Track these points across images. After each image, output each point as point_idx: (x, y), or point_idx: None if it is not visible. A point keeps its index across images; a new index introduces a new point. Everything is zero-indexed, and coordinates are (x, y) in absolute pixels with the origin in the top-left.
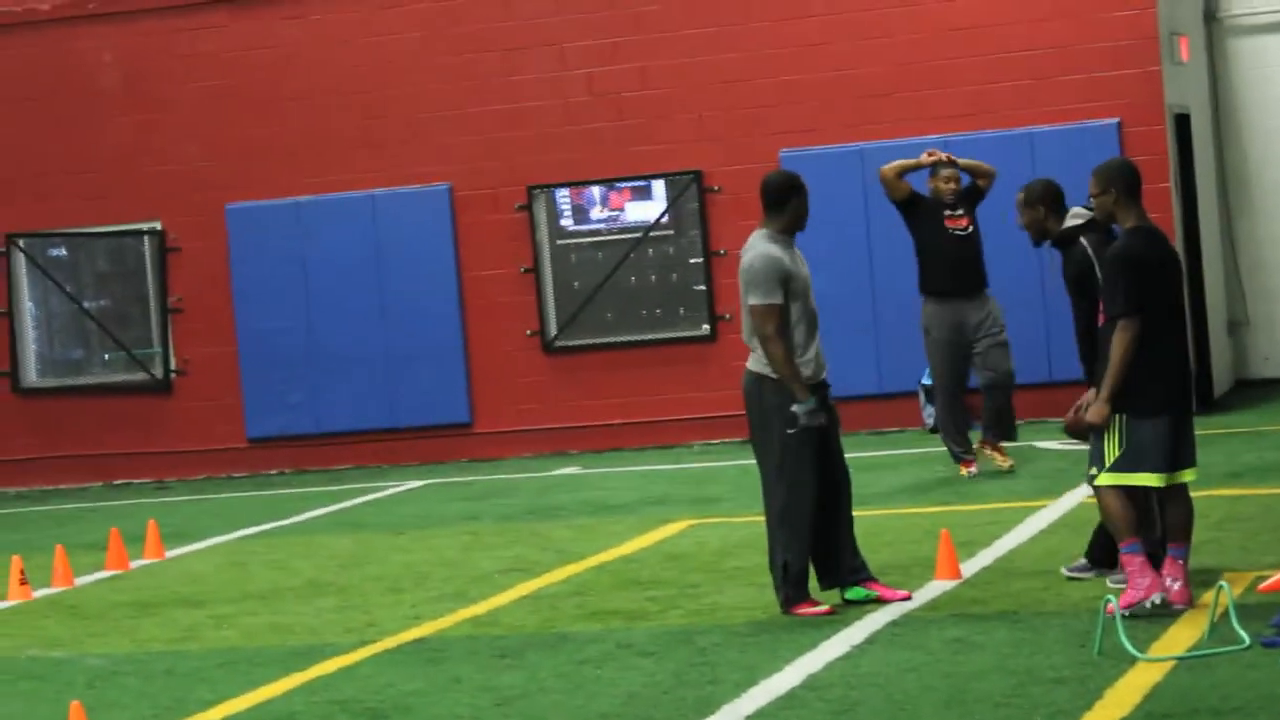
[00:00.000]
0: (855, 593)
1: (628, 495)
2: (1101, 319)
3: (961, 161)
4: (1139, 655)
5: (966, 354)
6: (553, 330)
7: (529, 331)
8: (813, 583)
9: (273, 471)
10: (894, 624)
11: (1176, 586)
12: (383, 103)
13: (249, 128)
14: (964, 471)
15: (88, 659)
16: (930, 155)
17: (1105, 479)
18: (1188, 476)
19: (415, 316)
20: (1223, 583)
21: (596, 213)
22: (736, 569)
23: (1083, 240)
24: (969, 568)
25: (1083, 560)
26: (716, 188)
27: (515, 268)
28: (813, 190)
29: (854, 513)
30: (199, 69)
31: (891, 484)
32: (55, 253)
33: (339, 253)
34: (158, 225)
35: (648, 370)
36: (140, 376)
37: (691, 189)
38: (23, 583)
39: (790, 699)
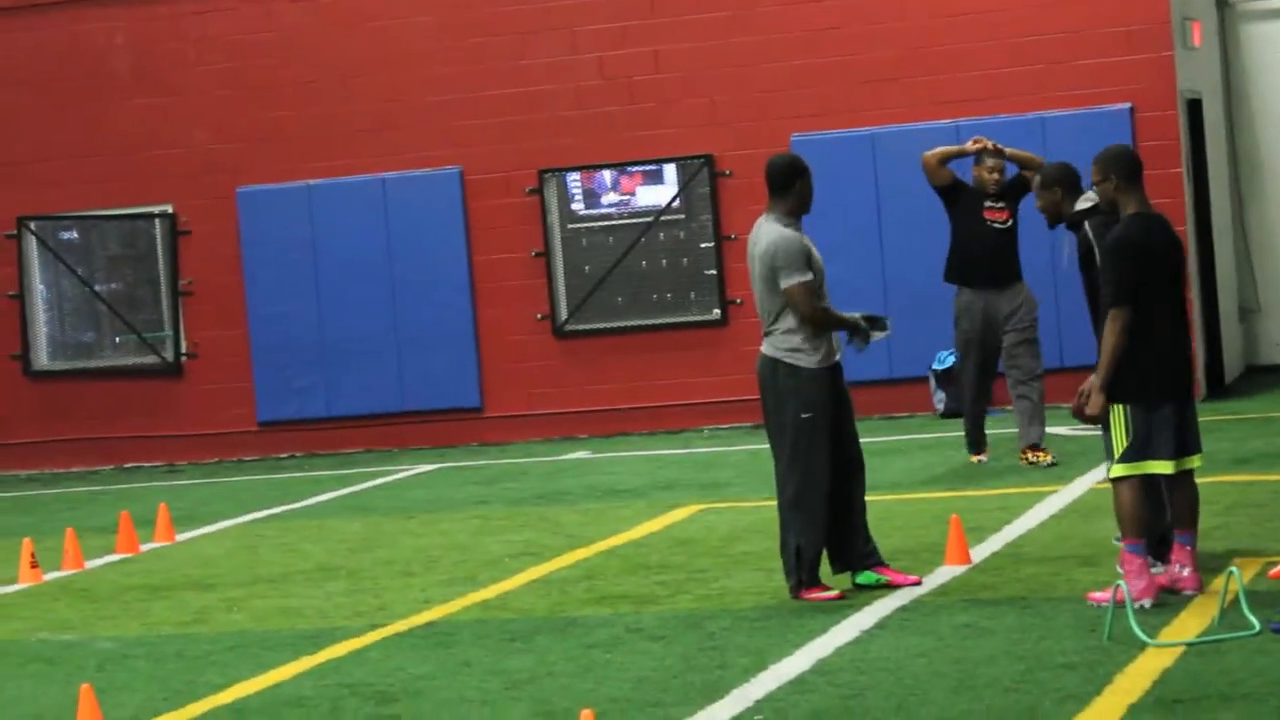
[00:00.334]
0: (866, 577)
1: (637, 480)
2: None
3: (1009, 151)
4: (1149, 641)
5: (996, 346)
6: (563, 314)
7: (539, 315)
8: (824, 567)
9: (283, 455)
10: (904, 609)
11: (1186, 573)
12: (393, 86)
13: (260, 111)
14: (974, 459)
15: (98, 642)
16: (976, 143)
17: (1118, 470)
18: (1194, 463)
19: (426, 300)
20: (1233, 568)
21: (607, 197)
22: (745, 554)
23: (1086, 225)
24: (979, 553)
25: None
26: (728, 172)
27: (526, 252)
28: (823, 175)
29: (865, 498)
30: (210, 52)
31: (902, 469)
32: (66, 236)
33: (350, 236)
34: (169, 208)
35: (658, 355)
36: (151, 360)
37: (703, 173)
38: (33, 566)
39: (799, 684)
